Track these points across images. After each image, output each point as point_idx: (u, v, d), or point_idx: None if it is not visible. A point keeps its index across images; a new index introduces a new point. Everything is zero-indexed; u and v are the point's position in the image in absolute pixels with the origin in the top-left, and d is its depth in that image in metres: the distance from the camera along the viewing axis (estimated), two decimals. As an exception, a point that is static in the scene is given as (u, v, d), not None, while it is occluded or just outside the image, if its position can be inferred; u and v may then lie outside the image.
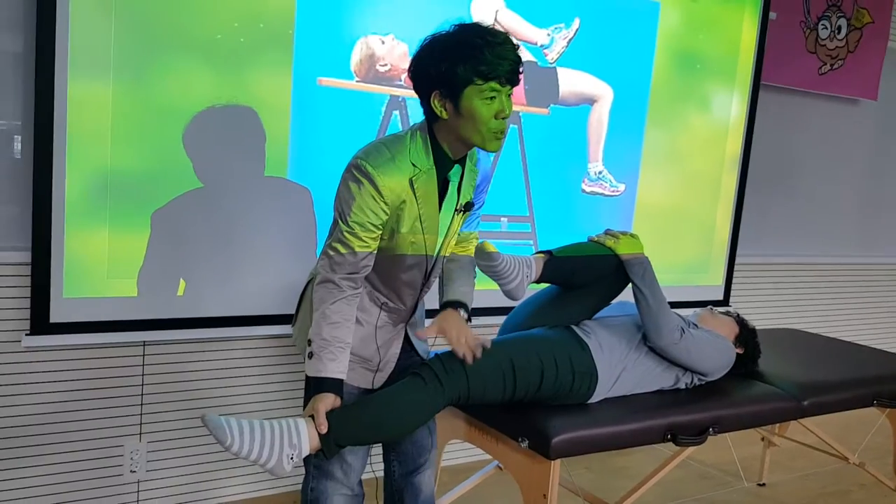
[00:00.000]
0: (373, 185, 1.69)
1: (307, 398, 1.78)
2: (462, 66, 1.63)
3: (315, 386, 1.73)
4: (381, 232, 1.75)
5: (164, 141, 2.46)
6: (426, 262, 1.85)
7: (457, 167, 1.81)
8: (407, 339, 1.97)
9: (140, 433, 2.66)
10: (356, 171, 1.71)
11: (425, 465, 2.06)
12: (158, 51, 2.40)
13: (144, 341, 2.60)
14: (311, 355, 1.73)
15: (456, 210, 1.86)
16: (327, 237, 1.84)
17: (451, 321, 1.91)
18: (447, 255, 1.94)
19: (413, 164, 1.73)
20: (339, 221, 1.74)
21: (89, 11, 2.29)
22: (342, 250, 1.72)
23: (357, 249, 1.72)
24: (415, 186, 1.74)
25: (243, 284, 2.64)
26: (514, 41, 1.69)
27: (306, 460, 1.87)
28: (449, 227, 1.86)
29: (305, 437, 1.69)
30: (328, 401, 1.71)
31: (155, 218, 2.47)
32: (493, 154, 2.01)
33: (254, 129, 2.59)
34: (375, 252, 1.77)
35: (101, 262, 2.42)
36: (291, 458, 1.68)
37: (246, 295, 2.65)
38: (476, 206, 1.97)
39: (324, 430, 1.70)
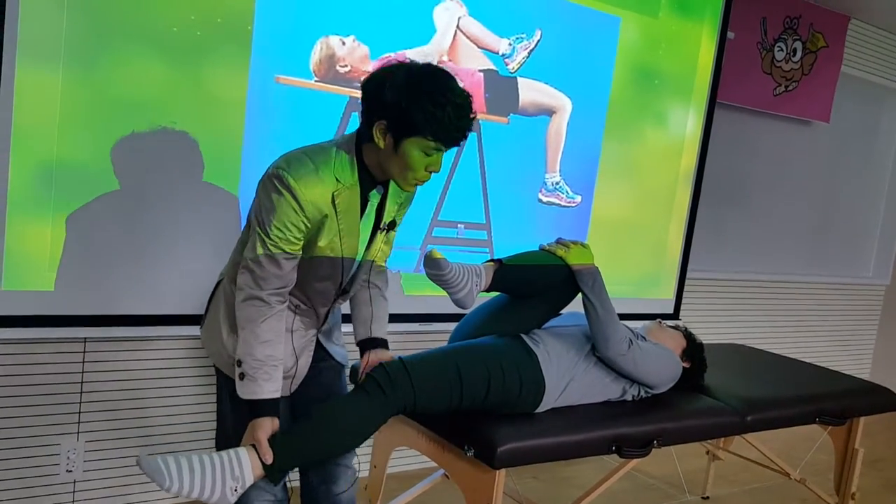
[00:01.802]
0: (294, 198, 1.64)
1: (235, 416, 1.78)
2: (420, 115, 1.60)
3: (252, 409, 1.70)
4: (301, 242, 1.71)
5: (114, 133, 2.40)
6: (342, 276, 1.82)
7: (379, 187, 1.79)
8: (321, 346, 1.94)
9: (78, 432, 2.59)
10: (277, 182, 1.64)
11: (342, 474, 2.02)
12: (112, 41, 2.34)
13: (86, 338, 2.53)
14: (241, 376, 1.69)
15: (379, 229, 1.84)
16: (238, 245, 1.81)
17: (382, 357, 1.92)
18: (366, 273, 1.93)
19: (336, 179, 1.70)
20: (260, 233, 1.67)
21: (40, -3, 2.22)
22: (264, 262, 1.67)
23: (281, 259, 1.67)
24: (336, 201, 1.70)
25: (178, 282, 2.59)
26: (473, 110, 1.66)
27: None
28: (370, 245, 1.84)
29: (248, 468, 1.67)
30: (267, 427, 1.70)
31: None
32: None
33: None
34: (297, 258, 1.73)
35: (42, 254, 2.35)
36: (235, 490, 1.66)
37: (181, 293, 2.59)
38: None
39: (269, 460, 1.68)
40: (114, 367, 2.62)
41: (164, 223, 2.52)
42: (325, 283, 1.82)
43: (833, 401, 2.72)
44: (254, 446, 1.69)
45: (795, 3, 4.14)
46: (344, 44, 2.75)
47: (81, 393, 2.58)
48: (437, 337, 2.93)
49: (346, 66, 2.77)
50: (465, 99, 1.64)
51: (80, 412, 2.58)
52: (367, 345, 1.95)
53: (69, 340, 2.51)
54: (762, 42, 4.08)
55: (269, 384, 1.69)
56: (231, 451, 1.68)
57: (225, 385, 1.84)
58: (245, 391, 1.69)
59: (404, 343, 3.00)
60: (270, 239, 1.66)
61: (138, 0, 2.36)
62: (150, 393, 2.70)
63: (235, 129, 2.59)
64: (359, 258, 1.84)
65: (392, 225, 1.88)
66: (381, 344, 1.95)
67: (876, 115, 5.11)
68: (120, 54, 2.36)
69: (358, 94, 2.78)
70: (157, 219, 2.51)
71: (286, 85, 2.66)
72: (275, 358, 1.70)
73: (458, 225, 3.17)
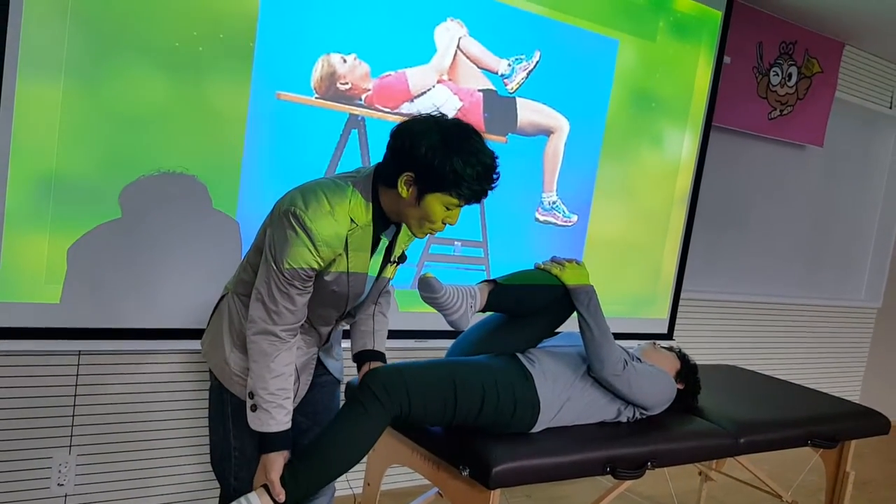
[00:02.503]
0: (309, 239, 1.66)
1: (237, 434, 1.79)
2: (451, 174, 1.62)
3: (264, 442, 1.72)
4: (313, 278, 1.73)
5: (114, 147, 2.40)
6: (345, 306, 1.85)
7: (392, 227, 1.81)
8: (318, 360, 1.96)
9: (70, 445, 2.58)
10: (294, 221, 1.66)
11: (326, 490, 2.05)
12: (114, 55, 2.36)
13: (80, 350, 2.52)
14: (254, 408, 1.71)
15: (391, 262, 1.88)
16: (247, 264, 1.82)
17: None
18: (373, 300, 1.96)
19: (351, 219, 1.71)
20: (274, 269, 1.68)
21: (44, 11, 2.23)
22: (281, 300, 1.69)
23: (295, 297, 1.70)
24: (349, 241, 1.72)
25: (174, 297, 2.59)
26: (498, 172, 1.69)
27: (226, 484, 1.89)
28: (379, 276, 1.87)
29: None
30: (280, 465, 1.72)
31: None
32: None
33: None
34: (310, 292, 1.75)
35: (39, 267, 2.35)
36: None
37: (178, 308, 2.60)
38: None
39: (282, 500, 1.71)
40: (108, 381, 2.61)
41: (161, 237, 2.53)
42: (328, 310, 1.84)
43: (825, 424, 2.73)
44: (264, 486, 1.72)
45: (791, 28, 4.19)
46: (345, 61, 2.77)
47: (75, 406, 2.57)
48: (433, 354, 2.93)
49: (346, 83, 2.79)
50: (493, 160, 1.68)
51: (72, 425, 2.57)
52: (365, 356, 1.96)
53: (63, 353, 2.51)
54: (758, 67, 4.13)
55: (281, 416, 1.71)
56: (243, 499, 1.70)
57: (229, 400, 1.84)
58: (258, 423, 1.71)
59: (400, 360, 3.00)
60: (284, 276, 1.68)
61: (140, 15, 2.37)
62: (144, 407, 2.70)
63: (235, 144, 2.60)
64: (367, 291, 1.86)
65: (403, 258, 1.91)
66: (380, 357, 1.96)
67: (868, 140, 5.16)
68: (121, 69, 2.37)
69: (358, 111, 2.83)
70: (154, 232, 2.51)
71: (287, 101, 2.68)
72: (287, 391, 1.73)
73: (455, 242, 3.18)
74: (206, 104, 2.53)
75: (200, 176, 2.56)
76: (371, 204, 1.73)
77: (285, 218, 1.68)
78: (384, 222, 1.78)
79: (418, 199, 1.68)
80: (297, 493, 1.74)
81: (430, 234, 1.77)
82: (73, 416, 2.57)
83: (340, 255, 1.72)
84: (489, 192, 1.71)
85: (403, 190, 1.67)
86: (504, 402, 1.98)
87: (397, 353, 3.07)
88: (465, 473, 1.93)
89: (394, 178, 1.68)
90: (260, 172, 2.66)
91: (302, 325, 1.82)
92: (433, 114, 1.71)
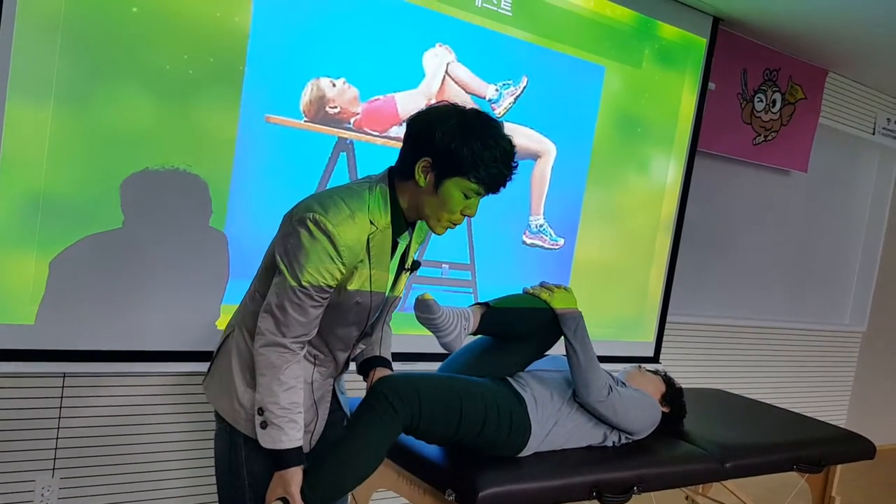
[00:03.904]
0: (332, 245, 1.59)
1: (255, 482, 1.72)
2: (469, 155, 1.59)
3: (278, 460, 1.64)
4: (333, 290, 1.66)
5: (102, 169, 2.41)
6: (367, 320, 1.77)
7: (409, 229, 1.77)
8: (334, 395, 1.89)
9: (53, 468, 2.55)
10: (314, 227, 1.59)
11: None
12: (104, 77, 2.37)
13: (65, 373, 2.50)
14: (264, 425, 1.63)
15: (404, 269, 1.82)
16: (253, 294, 1.76)
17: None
18: (387, 314, 1.91)
19: (371, 222, 1.65)
20: (289, 279, 1.60)
21: (35, 31, 2.25)
22: (293, 312, 1.61)
23: (309, 309, 1.62)
24: (370, 245, 1.66)
25: (160, 318, 2.58)
26: (516, 160, 1.67)
27: None
28: (395, 286, 1.81)
29: None
30: (299, 478, 1.65)
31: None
32: None
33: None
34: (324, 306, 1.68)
35: (25, 287, 2.34)
36: None
37: (163, 329, 2.59)
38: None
39: None
40: (93, 403, 2.59)
41: (148, 258, 2.52)
42: (349, 329, 1.76)
43: (810, 449, 2.74)
44: (282, 500, 1.65)
45: (775, 56, 4.26)
46: (334, 85, 2.79)
47: (59, 429, 2.54)
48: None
49: (335, 107, 2.81)
50: (511, 147, 1.65)
51: (56, 448, 2.55)
52: (372, 363, 1.92)
53: (48, 375, 2.49)
54: (742, 93, 4.18)
55: (295, 432, 1.64)
56: None
57: (242, 444, 1.73)
58: (270, 441, 1.63)
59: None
60: (301, 286, 1.60)
61: (131, 38, 2.39)
62: (129, 430, 2.67)
63: (224, 167, 2.61)
64: (386, 299, 1.80)
65: (416, 266, 1.85)
66: (387, 364, 1.94)
67: (852, 166, 5.23)
68: (111, 91, 2.38)
69: (347, 134, 2.84)
70: (140, 254, 2.51)
71: (276, 124, 2.69)
72: (298, 405, 1.65)
73: (443, 265, 3.19)
74: (196, 127, 2.54)
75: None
76: (389, 205, 1.68)
77: (302, 225, 1.60)
78: (402, 224, 1.72)
79: (436, 187, 1.63)
80: (315, 503, 1.68)
81: (451, 227, 1.71)
82: (56, 438, 2.54)
83: (362, 260, 1.65)
84: (506, 184, 1.67)
85: (421, 178, 1.63)
86: (503, 424, 1.99)
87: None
88: (451, 498, 1.93)
89: (410, 167, 1.63)
90: (249, 195, 2.66)
91: (318, 356, 1.77)
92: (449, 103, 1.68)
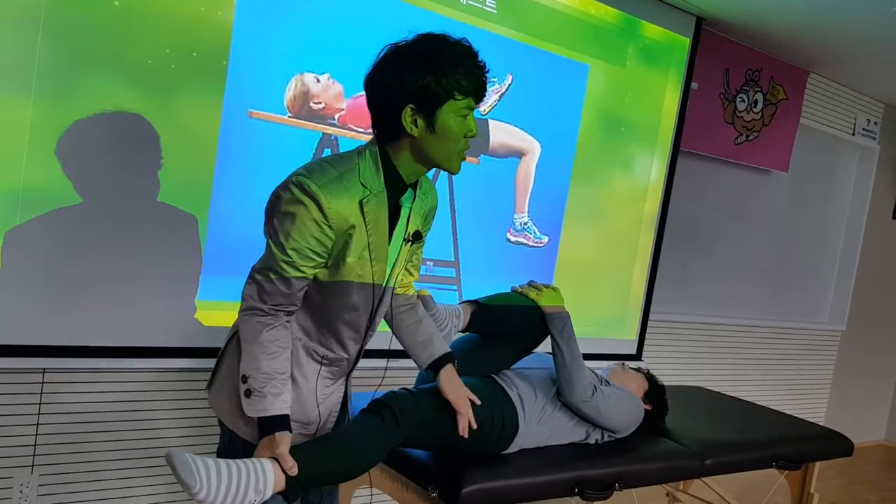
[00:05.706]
0: (318, 207, 1.52)
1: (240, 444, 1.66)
2: (445, 78, 1.54)
3: (264, 426, 1.57)
4: (322, 260, 1.59)
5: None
6: (373, 298, 1.69)
7: (409, 192, 1.69)
8: (342, 403, 1.82)
9: (32, 465, 2.53)
10: (297, 190, 1.52)
11: None
12: (85, 71, 2.34)
13: (44, 368, 2.48)
14: (248, 393, 1.57)
15: (405, 240, 1.73)
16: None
17: (454, 384, 1.87)
18: (394, 290, 1.81)
19: (363, 185, 1.58)
20: (273, 246, 1.55)
21: (15, 24, 2.22)
22: (274, 279, 1.55)
23: (293, 279, 1.56)
24: (364, 210, 1.58)
25: (142, 314, 2.56)
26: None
27: None
28: (397, 258, 1.72)
29: (272, 482, 1.54)
30: (287, 439, 1.57)
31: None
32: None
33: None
34: (310, 279, 1.61)
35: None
36: None
37: (145, 325, 2.57)
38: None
39: (295, 471, 1.56)
40: (73, 399, 2.57)
41: (126, 250, 2.50)
42: (356, 313, 1.69)
43: (790, 446, 2.77)
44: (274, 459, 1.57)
45: (757, 56, 4.29)
46: (318, 81, 2.78)
47: (38, 425, 2.52)
48: (405, 374, 2.92)
49: (319, 103, 2.80)
50: (470, 46, 1.60)
51: (35, 444, 2.52)
52: (441, 362, 1.89)
53: (27, 371, 2.46)
54: (725, 93, 4.21)
55: (279, 399, 1.57)
56: (255, 460, 1.55)
57: (242, 446, 1.68)
58: (254, 409, 1.57)
59: (371, 380, 2.99)
60: (286, 255, 1.55)
61: (113, 31, 2.37)
62: (109, 426, 2.65)
63: (207, 162, 2.60)
64: (388, 272, 1.71)
65: (418, 236, 1.76)
66: (452, 358, 1.91)
67: (832, 166, 5.28)
68: (93, 85, 2.36)
69: (331, 130, 2.83)
70: (119, 247, 2.49)
71: (260, 120, 2.68)
72: (281, 371, 1.59)
73: (428, 262, 3.19)
74: (178, 122, 2.52)
75: (171, 194, 2.55)
76: (381, 169, 1.62)
77: (286, 191, 1.55)
78: (400, 187, 1.66)
79: (432, 126, 1.57)
80: (307, 475, 1.60)
81: (463, 158, 1.64)
82: (35, 434, 2.52)
83: (355, 227, 1.58)
84: (487, 81, 1.61)
85: (412, 127, 1.57)
86: (495, 427, 2.01)
87: (367, 372, 3.06)
88: (434, 494, 1.93)
89: (397, 124, 1.58)
90: (231, 191, 2.65)
91: (327, 355, 1.71)
92: (387, 46, 1.62)
